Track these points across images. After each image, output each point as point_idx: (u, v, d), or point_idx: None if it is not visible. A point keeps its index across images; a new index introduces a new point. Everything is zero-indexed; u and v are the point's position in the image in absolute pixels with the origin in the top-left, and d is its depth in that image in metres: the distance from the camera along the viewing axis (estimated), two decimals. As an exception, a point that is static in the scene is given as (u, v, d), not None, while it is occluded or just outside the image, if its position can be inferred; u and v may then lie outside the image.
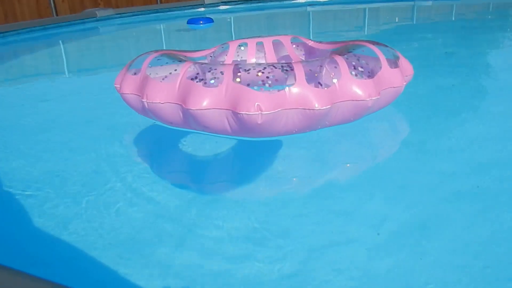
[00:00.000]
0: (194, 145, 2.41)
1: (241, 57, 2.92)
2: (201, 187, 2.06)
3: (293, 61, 1.97)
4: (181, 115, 2.00)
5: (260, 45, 2.96)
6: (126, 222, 1.70)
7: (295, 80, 1.88)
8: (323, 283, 1.30)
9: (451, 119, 2.69)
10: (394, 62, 2.24)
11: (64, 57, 5.90)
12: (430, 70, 3.80)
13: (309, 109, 1.86)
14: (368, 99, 1.99)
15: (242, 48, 2.93)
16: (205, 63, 2.08)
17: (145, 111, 2.13)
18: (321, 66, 1.99)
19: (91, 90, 3.90)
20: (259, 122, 1.82)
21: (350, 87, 1.98)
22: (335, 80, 1.96)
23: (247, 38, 2.97)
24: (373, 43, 2.33)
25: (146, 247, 1.52)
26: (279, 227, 1.60)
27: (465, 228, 1.54)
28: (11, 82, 4.54)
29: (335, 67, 2.00)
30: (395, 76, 2.19)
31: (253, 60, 2.91)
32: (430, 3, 9.17)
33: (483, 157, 2.10)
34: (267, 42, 2.94)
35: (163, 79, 2.05)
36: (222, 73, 1.93)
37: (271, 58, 2.89)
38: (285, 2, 9.73)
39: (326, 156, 2.24)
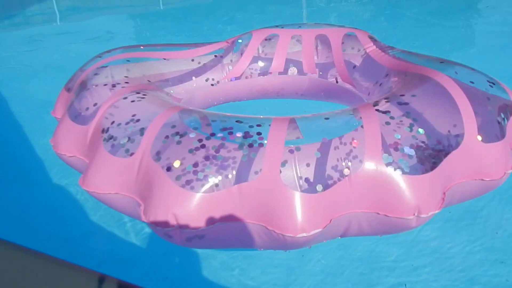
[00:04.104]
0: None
1: (266, 54, 1.99)
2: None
3: (272, 126, 1.03)
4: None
5: (296, 41, 1.98)
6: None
7: (261, 169, 0.97)
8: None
9: None
10: (495, 126, 1.15)
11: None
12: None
13: (278, 233, 0.96)
14: (410, 217, 0.99)
15: (269, 44, 1.98)
16: (143, 97, 1.25)
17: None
18: (323, 143, 1.02)
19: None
20: (174, 239, 0.99)
21: (375, 190, 0.99)
22: (347, 172, 1.00)
23: (280, 26, 1.99)
24: (457, 78, 1.23)
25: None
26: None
27: None
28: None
29: (352, 142, 1.02)
30: (491, 158, 1.11)
31: (275, 64, 1.94)
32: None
33: None
34: (308, 36, 1.93)
35: (76, 116, 1.29)
36: (142, 132, 1.09)
37: (309, 65, 1.90)
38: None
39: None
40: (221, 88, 1.90)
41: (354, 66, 1.77)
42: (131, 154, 1.06)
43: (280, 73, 1.97)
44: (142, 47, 1.80)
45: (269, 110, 2.51)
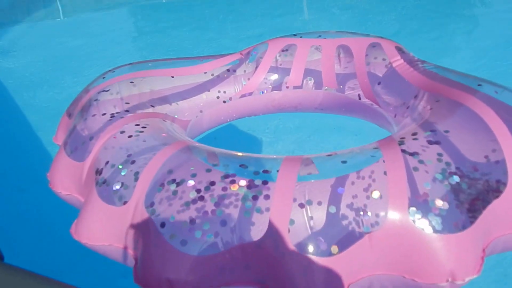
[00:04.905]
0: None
1: (281, 64, 1.84)
2: None
3: (280, 179, 0.90)
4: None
5: (316, 51, 1.82)
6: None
7: (267, 227, 0.84)
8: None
9: None
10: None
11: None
12: None
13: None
14: (443, 284, 0.85)
15: (285, 54, 1.84)
16: (142, 130, 1.15)
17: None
18: (338, 194, 0.88)
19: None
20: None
21: (401, 250, 0.85)
22: (367, 229, 0.86)
23: (299, 36, 1.84)
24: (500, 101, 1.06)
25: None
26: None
27: None
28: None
29: (373, 193, 0.88)
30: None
31: (294, 77, 1.80)
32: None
33: None
34: (328, 47, 1.77)
35: (72, 151, 1.19)
36: (136, 176, 0.98)
37: (328, 79, 1.74)
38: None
39: None
40: (234, 105, 1.77)
41: (379, 82, 1.60)
42: (124, 203, 0.95)
43: (297, 87, 1.82)
44: (150, 64, 1.69)
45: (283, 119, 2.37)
